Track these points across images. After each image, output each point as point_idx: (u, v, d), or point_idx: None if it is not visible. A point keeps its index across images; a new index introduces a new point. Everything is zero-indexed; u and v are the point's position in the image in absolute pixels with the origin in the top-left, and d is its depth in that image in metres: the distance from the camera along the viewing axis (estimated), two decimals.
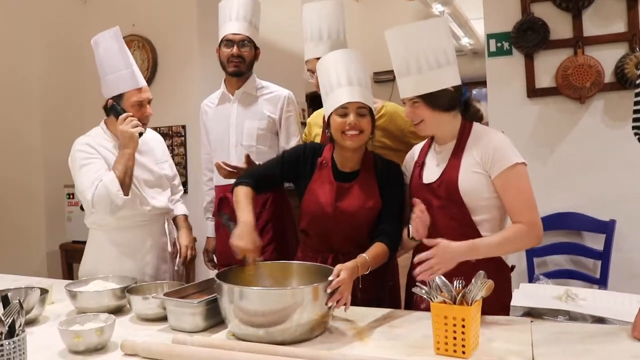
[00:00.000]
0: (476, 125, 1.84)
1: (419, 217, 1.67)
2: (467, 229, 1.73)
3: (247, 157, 2.31)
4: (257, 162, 2.38)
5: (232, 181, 2.28)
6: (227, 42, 2.46)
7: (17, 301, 1.31)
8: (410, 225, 1.73)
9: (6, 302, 1.33)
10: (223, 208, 2.49)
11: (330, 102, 1.91)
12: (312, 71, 2.35)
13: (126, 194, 2.15)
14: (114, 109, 2.22)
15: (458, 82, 1.79)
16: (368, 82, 1.93)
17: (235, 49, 2.45)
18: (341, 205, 1.91)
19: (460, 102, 1.81)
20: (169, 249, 2.43)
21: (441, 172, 1.80)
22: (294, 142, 2.57)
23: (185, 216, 2.54)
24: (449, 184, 1.76)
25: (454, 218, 1.75)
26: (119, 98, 2.23)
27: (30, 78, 4.18)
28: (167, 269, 2.41)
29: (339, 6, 2.44)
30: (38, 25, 4.18)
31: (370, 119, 1.90)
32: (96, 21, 4.42)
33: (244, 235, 1.73)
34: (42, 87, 4.18)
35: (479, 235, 1.72)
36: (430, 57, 1.74)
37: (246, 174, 2.04)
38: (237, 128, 2.52)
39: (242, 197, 1.89)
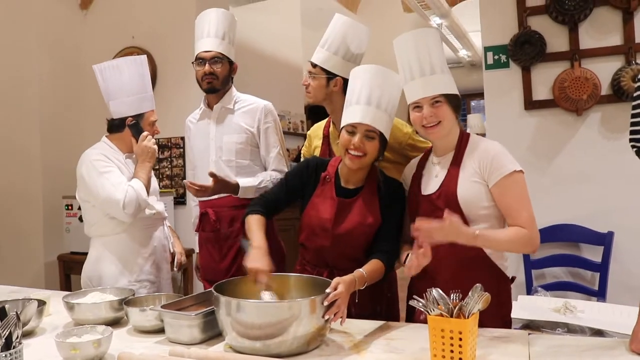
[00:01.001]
0: (473, 136, 1.86)
1: (418, 256, 1.63)
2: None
3: (212, 174, 2.32)
4: (235, 177, 2.45)
5: (215, 197, 2.44)
6: (199, 60, 2.47)
7: (14, 313, 1.31)
8: (409, 254, 1.73)
9: (3, 314, 1.33)
10: (205, 225, 2.56)
11: (345, 117, 1.91)
12: (310, 72, 2.36)
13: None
14: (135, 126, 2.42)
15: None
16: (391, 107, 1.90)
17: (207, 67, 2.45)
18: (341, 221, 1.91)
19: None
20: (171, 249, 2.58)
21: (440, 183, 1.81)
22: (274, 153, 2.56)
23: (170, 226, 2.71)
24: (448, 195, 1.77)
25: None
26: (139, 117, 2.44)
27: (30, 88, 4.20)
28: (168, 268, 2.56)
29: (360, 26, 2.42)
30: (38, 35, 4.20)
31: (378, 143, 1.88)
32: (96, 32, 4.46)
33: (256, 258, 1.73)
34: (41, 98, 4.19)
35: (478, 248, 1.73)
36: (443, 62, 1.80)
37: (256, 202, 2.03)
38: (217, 143, 2.53)
39: (254, 224, 1.90)
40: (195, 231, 2.67)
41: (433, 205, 1.80)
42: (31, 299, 1.84)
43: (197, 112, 2.66)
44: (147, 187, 2.40)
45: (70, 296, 1.99)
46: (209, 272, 2.56)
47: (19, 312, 1.33)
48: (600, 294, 3.03)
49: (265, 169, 2.58)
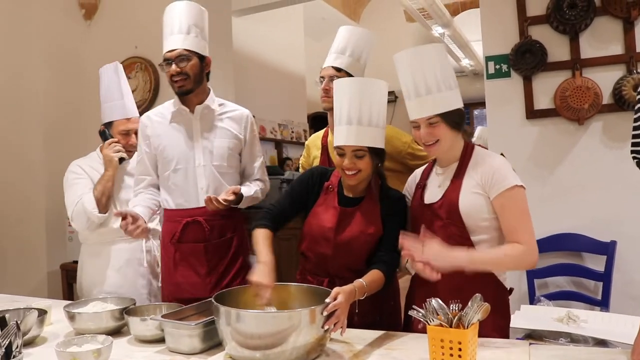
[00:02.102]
0: (477, 149, 1.86)
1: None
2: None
3: (210, 199, 2.17)
4: (224, 183, 2.30)
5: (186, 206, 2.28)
6: (166, 61, 2.25)
7: (14, 322, 1.32)
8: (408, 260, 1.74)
9: (3, 323, 1.34)
10: (189, 236, 2.29)
11: (334, 137, 1.92)
12: (323, 77, 2.37)
13: (102, 212, 2.43)
14: (103, 134, 2.54)
15: (462, 105, 1.83)
16: (377, 117, 1.88)
17: (173, 67, 2.22)
18: (343, 230, 1.92)
19: (464, 122, 1.85)
20: (144, 264, 2.51)
21: (443, 193, 1.82)
22: (258, 163, 2.47)
23: None
24: (450, 205, 1.78)
25: (454, 238, 1.76)
26: (109, 125, 2.54)
27: (34, 98, 4.21)
28: (145, 284, 2.52)
29: (373, 38, 2.47)
30: (42, 46, 4.22)
31: (369, 159, 1.87)
32: (99, 43, 4.48)
33: (262, 273, 1.72)
34: (45, 108, 4.21)
35: None
36: (444, 78, 1.77)
37: (261, 217, 2.00)
38: (204, 147, 2.31)
39: (261, 238, 1.89)
40: (170, 242, 2.33)
41: (434, 214, 1.81)
42: (32, 308, 1.84)
43: (163, 110, 2.39)
44: (101, 198, 2.42)
45: (71, 305, 2.00)
46: (189, 288, 2.27)
47: (19, 322, 1.34)
48: (603, 304, 3.02)
49: (241, 177, 2.46)
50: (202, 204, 2.23)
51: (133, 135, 2.52)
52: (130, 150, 2.56)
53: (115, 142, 2.50)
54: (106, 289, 2.45)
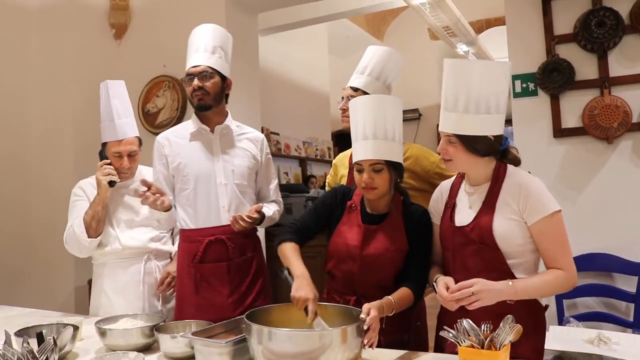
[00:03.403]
0: (511, 168, 1.80)
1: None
2: (501, 272, 1.70)
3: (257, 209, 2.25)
4: (245, 202, 2.33)
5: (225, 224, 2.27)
6: (189, 76, 2.30)
7: (52, 338, 1.34)
8: (438, 277, 1.74)
9: (41, 339, 1.37)
10: (210, 255, 2.29)
11: (353, 154, 1.94)
12: (343, 98, 2.40)
13: (92, 236, 2.39)
14: (100, 155, 2.50)
15: (500, 132, 1.74)
16: (396, 132, 1.89)
17: (196, 82, 2.27)
18: (368, 248, 1.92)
19: (497, 151, 1.78)
20: (140, 287, 2.46)
21: (474, 216, 1.77)
22: (274, 185, 2.52)
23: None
24: (483, 229, 1.73)
25: (487, 261, 1.73)
26: (104, 146, 2.50)
27: (65, 119, 4.32)
28: (141, 305, 2.45)
29: (396, 56, 2.47)
30: (74, 67, 4.33)
31: (388, 174, 1.88)
32: (129, 62, 4.58)
33: (302, 286, 1.72)
34: (75, 129, 4.30)
35: (512, 278, 1.70)
36: (482, 99, 1.67)
37: (287, 231, 2.00)
38: (226, 166, 2.33)
39: (291, 252, 1.88)
40: (191, 263, 2.31)
41: (466, 237, 1.77)
42: (66, 324, 1.87)
43: (181, 130, 2.42)
44: (91, 222, 2.38)
45: (102, 322, 2.02)
46: (210, 310, 2.24)
47: (55, 337, 1.36)
48: (635, 326, 2.95)
49: (257, 197, 2.48)
50: (224, 223, 2.27)
51: (126, 158, 2.46)
52: (124, 173, 2.48)
53: (107, 164, 2.43)
54: (108, 311, 2.41)
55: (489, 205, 1.75)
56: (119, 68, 4.55)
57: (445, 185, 1.98)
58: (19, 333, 1.79)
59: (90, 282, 4.09)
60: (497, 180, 1.77)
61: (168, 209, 2.28)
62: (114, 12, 4.62)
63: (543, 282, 1.68)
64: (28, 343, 1.36)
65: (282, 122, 6.77)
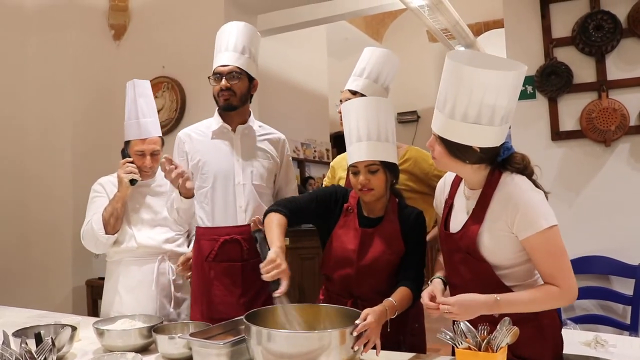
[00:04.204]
0: (505, 177, 1.64)
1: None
2: (490, 282, 1.63)
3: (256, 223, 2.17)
4: (262, 203, 2.29)
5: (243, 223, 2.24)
6: (216, 75, 2.27)
7: (50, 339, 1.34)
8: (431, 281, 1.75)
9: (39, 339, 1.37)
10: (225, 255, 2.25)
11: (348, 157, 1.93)
12: (342, 101, 2.40)
13: (109, 232, 2.40)
14: (122, 153, 2.53)
15: (491, 144, 1.58)
16: (389, 133, 1.89)
17: (223, 82, 2.24)
18: (365, 251, 1.92)
19: (487, 160, 1.63)
20: (153, 287, 2.44)
21: (463, 224, 1.68)
22: (293, 187, 2.49)
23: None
24: (469, 240, 1.64)
25: (475, 270, 1.66)
26: (127, 144, 2.51)
27: (63, 120, 4.32)
28: (152, 306, 2.43)
29: (393, 58, 2.47)
30: (73, 68, 4.34)
31: (383, 175, 1.88)
32: (128, 62, 4.59)
33: (281, 257, 1.67)
34: (74, 129, 4.31)
35: (502, 288, 1.62)
36: (472, 109, 1.51)
37: (281, 202, 1.96)
38: (245, 166, 2.30)
39: (276, 224, 1.82)
40: (205, 261, 2.28)
41: (456, 245, 1.69)
42: (64, 325, 1.87)
43: (203, 128, 2.39)
44: (109, 219, 2.39)
45: (100, 322, 2.02)
46: (223, 308, 2.22)
47: (54, 338, 1.36)
48: (632, 328, 2.96)
49: (274, 199, 2.41)
50: (240, 223, 2.25)
51: (148, 157, 2.48)
52: (145, 171, 2.50)
53: (130, 162, 2.45)
54: (119, 309, 2.41)
55: (477, 215, 1.65)
56: (118, 69, 4.55)
57: (448, 178, 1.88)
58: (17, 333, 1.79)
59: (88, 282, 4.14)
60: (488, 189, 1.64)
61: (190, 194, 2.26)
62: (113, 13, 4.62)
63: (531, 299, 1.57)
64: (26, 343, 1.37)
65: (280, 124, 6.71)
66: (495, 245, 1.61)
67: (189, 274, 2.40)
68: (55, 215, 4.26)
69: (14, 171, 4.28)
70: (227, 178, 2.29)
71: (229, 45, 2.27)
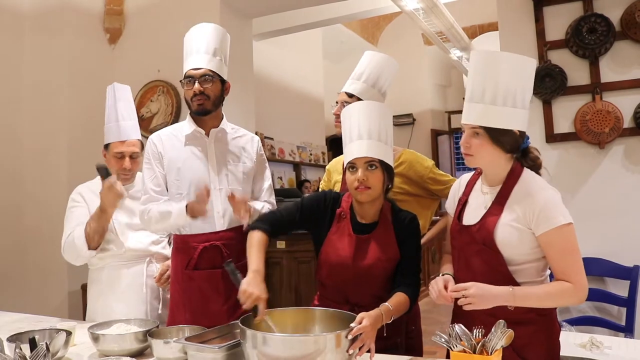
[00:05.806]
0: (525, 174, 1.73)
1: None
2: (502, 276, 1.67)
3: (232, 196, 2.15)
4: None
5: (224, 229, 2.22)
6: (188, 78, 2.20)
7: (44, 344, 1.34)
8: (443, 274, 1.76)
9: (33, 344, 1.36)
10: (205, 262, 2.21)
11: (345, 156, 1.93)
12: (337, 102, 2.41)
13: (92, 248, 2.36)
14: (102, 169, 2.31)
15: (524, 129, 1.71)
16: (388, 137, 1.91)
17: (196, 85, 2.17)
18: (360, 259, 1.90)
19: (519, 148, 1.73)
20: (143, 289, 2.44)
21: (482, 216, 1.73)
22: (267, 185, 2.42)
23: None
24: (486, 231, 1.69)
25: (489, 263, 1.69)
26: (106, 148, 2.49)
27: (58, 124, 4.30)
28: (143, 309, 2.42)
29: (393, 64, 2.48)
30: (68, 71, 4.32)
31: (381, 173, 1.88)
32: (123, 66, 4.59)
33: (256, 283, 1.70)
34: (69, 134, 4.28)
35: (513, 283, 1.66)
36: (509, 92, 1.64)
37: (263, 217, 1.97)
38: (220, 171, 2.27)
39: (255, 243, 1.85)
40: (186, 270, 2.23)
41: (472, 237, 1.73)
42: (59, 330, 1.86)
43: (176, 132, 2.31)
44: (94, 236, 2.33)
45: (95, 327, 2.01)
46: (202, 317, 2.14)
47: (48, 343, 1.36)
48: (627, 330, 2.97)
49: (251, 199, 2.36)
50: (219, 228, 2.22)
51: (127, 159, 2.45)
52: (125, 175, 2.48)
53: (113, 182, 2.30)
54: (109, 314, 2.36)
55: (496, 206, 1.71)
56: (114, 73, 4.55)
57: (464, 179, 1.93)
58: (12, 338, 1.77)
59: (83, 287, 4.12)
60: (509, 182, 1.72)
61: (203, 214, 2.18)
62: (109, 17, 4.62)
63: (545, 293, 1.64)
64: (20, 349, 1.36)
65: (276, 127, 6.78)
66: (509, 238, 1.66)
67: (168, 286, 2.39)
68: (51, 220, 4.24)
69: (9, 175, 4.26)
70: (202, 184, 2.20)
71: (200, 48, 2.22)
